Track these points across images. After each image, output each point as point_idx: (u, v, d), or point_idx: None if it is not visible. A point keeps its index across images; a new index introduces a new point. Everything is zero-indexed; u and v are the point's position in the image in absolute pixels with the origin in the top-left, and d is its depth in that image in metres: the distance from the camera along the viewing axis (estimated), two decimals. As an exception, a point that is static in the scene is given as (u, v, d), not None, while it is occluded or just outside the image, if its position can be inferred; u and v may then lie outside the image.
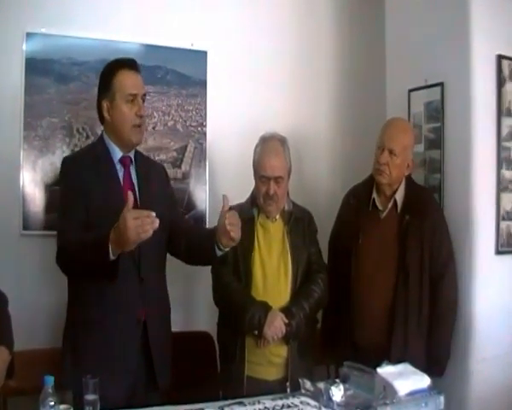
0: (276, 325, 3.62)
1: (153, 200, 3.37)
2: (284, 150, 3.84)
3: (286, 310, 3.70)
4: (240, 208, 3.80)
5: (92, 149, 3.51)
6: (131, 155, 3.45)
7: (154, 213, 2.85)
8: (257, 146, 3.89)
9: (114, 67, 3.37)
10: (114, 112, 3.32)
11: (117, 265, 2.99)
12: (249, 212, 3.84)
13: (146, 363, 3.32)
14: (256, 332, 3.63)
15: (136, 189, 3.38)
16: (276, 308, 3.69)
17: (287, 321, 3.64)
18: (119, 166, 3.37)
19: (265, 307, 3.67)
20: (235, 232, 3.22)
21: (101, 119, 3.43)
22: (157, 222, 2.84)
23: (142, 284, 3.27)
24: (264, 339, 3.64)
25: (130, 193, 2.92)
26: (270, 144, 3.85)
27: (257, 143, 3.90)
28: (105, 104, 3.33)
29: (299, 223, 3.91)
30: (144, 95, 3.43)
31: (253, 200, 3.88)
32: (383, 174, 3.95)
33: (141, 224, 2.82)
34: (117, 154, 3.38)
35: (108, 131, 3.40)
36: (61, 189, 3.41)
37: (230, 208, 3.64)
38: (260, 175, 3.78)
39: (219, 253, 3.36)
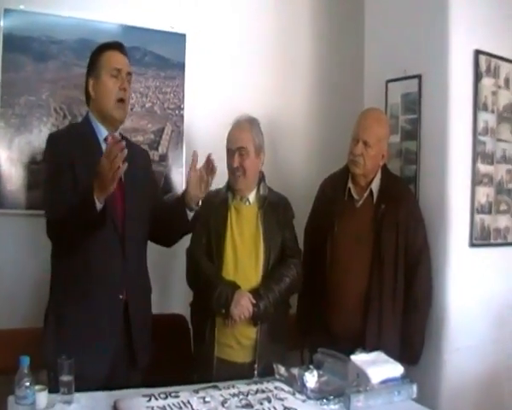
0: (243, 304, 3.64)
1: (136, 180, 3.45)
2: (251, 128, 3.88)
3: (254, 291, 3.72)
4: (216, 193, 3.89)
5: (77, 127, 3.60)
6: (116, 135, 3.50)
7: (118, 136, 3.06)
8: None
9: (102, 48, 3.47)
10: (99, 87, 3.38)
11: (105, 212, 3.04)
12: (224, 195, 3.88)
13: (126, 342, 3.35)
14: (223, 311, 3.65)
15: None
16: (245, 290, 3.72)
17: (254, 302, 3.66)
18: (104, 146, 3.37)
19: (233, 287, 3.69)
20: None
21: (87, 99, 3.48)
22: (124, 147, 2.87)
23: (126, 263, 3.33)
24: (231, 318, 3.65)
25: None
26: (238, 123, 3.91)
27: None
28: (91, 81, 3.40)
29: (273, 208, 3.91)
30: (129, 74, 3.50)
31: (229, 184, 3.91)
32: (358, 165, 3.98)
33: (111, 153, 2.88)
34: (102, 132, 3.41)
35: (93, 108, 3.44)
36: (46, 165, 3.43)
37: (209, 193, 3.72)
38: (227, 149, 3.86)
39: (190, 214, 3.48)
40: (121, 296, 3.31)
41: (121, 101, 3.41)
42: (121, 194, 3.37)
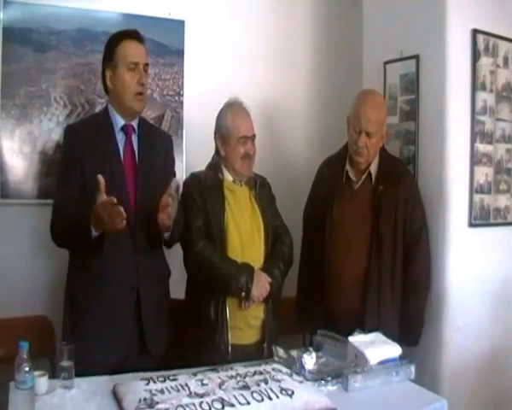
0: (262, 284, 3.67)
1: (151, 170, 3.47)
2: (249, 112, 3.92)
3: (265, 270, 3.75)
4: (204, 174, 3.88)
5: (95, 118, 3.64)
6: (135, 123, 3.53)
7: (114, 199, 2.92)
8: (224, 111, 3.91)
9: (118, 38, 3.47)
10: (116, 80, 3.41)
11: (102, 239, 3.11)
12: (216, 177, 3.83)
13: (139, 329, 3.40)
14: (243, 294, 3.64)
15: (137, 157, 3.46)
16: (257, 268, 3.73)
17: (270, 280, 3.70)
18: (120, 136, 3.45)
19: (250, 269, 3.68)
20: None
21: (106, 88, 3.52)
22: (123, 212, 2.92)
23: (137, 253, 3.38)
24: (250, 300, 3.66)
25: (100, 176, 2.98)
26: (238, 108, 3.91)
27: (223, 109, 3.93)
28: (108, 73, 3.44)
29: (262, 188, 3.97)
30: (147, 64, 3.51)
31: (217, 165, 3.88)
32: (362, 155, 3.96)
33: (110, 213, 2.95)
34: (119, 122, 3.46)
35: (111, 100, 3.50)
36: (61, 158, 3.55)
37: (192, 174, 3.83)
38: (240, 136, 3.79)
39: (166, 235, 3.42)
40: (132, 285, 3.37)
41: (139, 94, 3.44)
42: (134, 181, 3.41)
